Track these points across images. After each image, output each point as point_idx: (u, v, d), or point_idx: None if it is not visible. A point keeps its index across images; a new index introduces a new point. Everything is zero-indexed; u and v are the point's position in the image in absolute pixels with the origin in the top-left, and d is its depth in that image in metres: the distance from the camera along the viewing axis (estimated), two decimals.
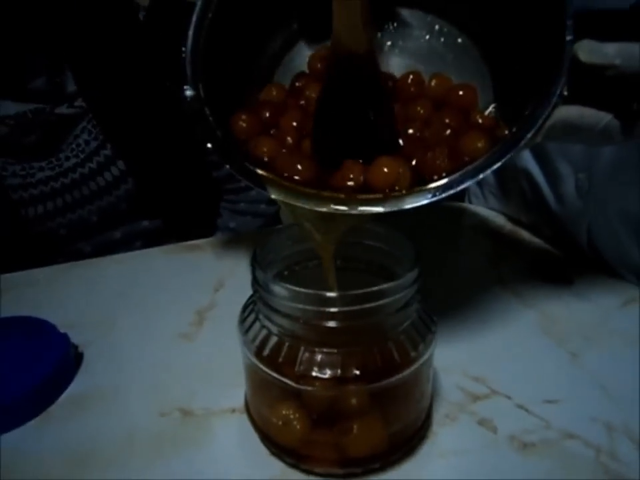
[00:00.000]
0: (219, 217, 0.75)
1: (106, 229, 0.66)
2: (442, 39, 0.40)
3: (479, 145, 0.31)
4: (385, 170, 0.30)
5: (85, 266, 0.57)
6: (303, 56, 0.41)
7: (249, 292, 0.34)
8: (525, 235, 0.59)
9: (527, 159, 0.54)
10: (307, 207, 0.30)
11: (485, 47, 0.39)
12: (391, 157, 0.31)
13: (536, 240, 0.58)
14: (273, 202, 0.77)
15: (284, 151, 0.33)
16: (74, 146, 0.62)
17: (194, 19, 0.35)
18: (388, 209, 0.29)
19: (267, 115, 0.35)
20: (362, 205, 0.30)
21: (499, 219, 0.62)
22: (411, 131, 0.34)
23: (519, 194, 0.58)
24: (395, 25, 0.41)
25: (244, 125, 0.34)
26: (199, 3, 0.35)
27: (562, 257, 0.54)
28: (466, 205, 0.66)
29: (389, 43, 0.41)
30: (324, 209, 0.30)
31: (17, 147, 0.61)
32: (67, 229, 0.64)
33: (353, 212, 0.29)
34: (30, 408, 0.38)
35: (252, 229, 0.73)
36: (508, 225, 0.61)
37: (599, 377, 0.40)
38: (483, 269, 0.54)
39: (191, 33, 0.35)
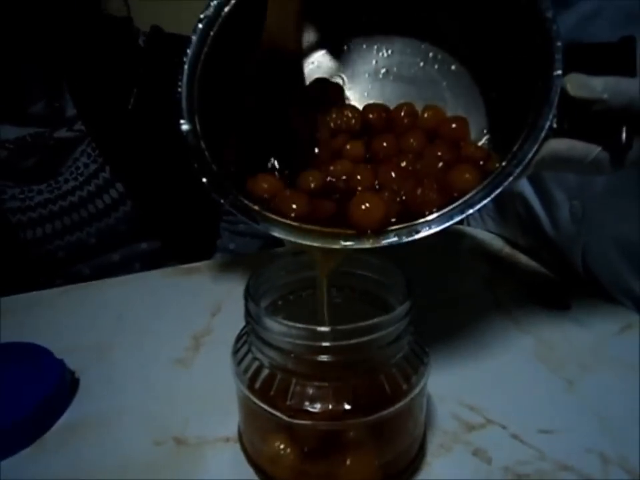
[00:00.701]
0: (219, 238, 0.75)
1: (105, 251, 0.66)
2: (436, 66, 0.41)
3: (468, 179, 0.31)
4: (369, 207, 0.30)
5: (82, 289, 0.57)
6: None
7: None
8: (523, 258, 0.59)
9: (523, 184, 0.54)
10: (302, 243, 0.30)
11: (478, 74, 0.40)
12: (372, 193, 0.31)
13: (533, 263, 0.58)
14: None
15: (282, 190, 0.33)
16: (73, 169, 0.63)
17: (189, 53, 0.36)
18: (374, 245, 0.30)
19: None
20: (347, 240, 0.30)
21: (496, 242, 0.62)
22: (404, 163, 0.34)
23: (515, 217, 0.58)
24: (390, 51, 0.42)
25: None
26: (194, 38, 0.36)
27: (559, 281, 0.54)
28: (464, 227, 0.66)
29: (383, 70, 0.42)
30: (318, 245, 0.30)
31: (16, 171, 0.61)
32: (65, 252, 0.64)
33: (336, 247, 0.30)
34: (24, 436, 0.38)
35: (251, 250, 0.73)
36: (506, 248, 0.61)
37: (595, 405, 0.39)
38: (480, 292, 0.54)
39: (186, 67, 0.36)
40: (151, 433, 0.39)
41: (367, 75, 0.42)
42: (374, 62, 0.42)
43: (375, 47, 0.42)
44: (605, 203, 0.45)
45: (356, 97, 0.42)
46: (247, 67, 0.37)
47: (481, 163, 0.33)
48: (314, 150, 0.36)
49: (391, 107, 0.40)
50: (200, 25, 0.37)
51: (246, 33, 0.38)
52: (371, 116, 0.38)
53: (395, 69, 0.41)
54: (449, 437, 0.37)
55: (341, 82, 0.42)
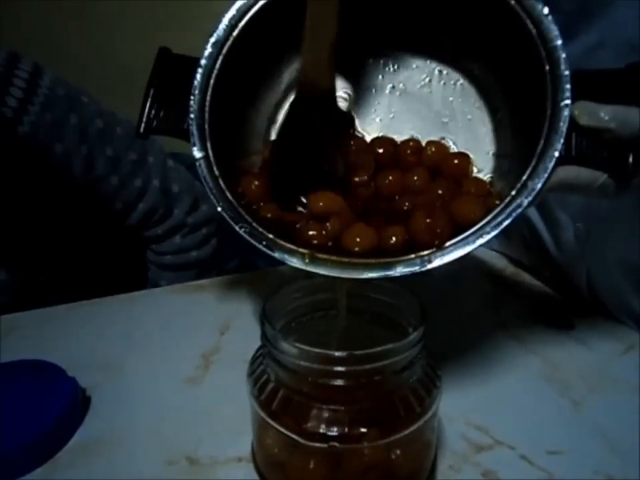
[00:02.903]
0: (148, 270, 0.73)
1: None
2: (443, 82, 0.41)
3: (475, 210, 0.32)
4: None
5: (91, 306, 0.57)
6: None
7: (255, 335, 0.34)
8: (526, 277, 0.60)
9: None
10: (318, 272, 0.31)
11: (485, 93, 0.40)
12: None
13: (537, 283, 0.58)
14: (204, 243, 0.73)
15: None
16: None
17: (199, 78, 0.36)
18: (386, 276, 0.30)
19: None
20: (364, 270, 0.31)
21: (500, 261, 0.63)
22: (407, 202, 0.35)
23: (519, 237, 0.59)
24: (396, 66, 0.42)
25: (255, 188, 0.35)
26: (204, 62, 0.36)
27: (563, 301, 0.55)
28: None
29: (390, 85, 0.42)
30: (333, 275, 0.31)
31: None
32: None
33: (352, 277, 0.31)
34: (37, 455, 0.38)
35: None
36: (509, 267, 0.62)
37: (601, 426, 0.40)
38: (484, 312, 0.55)
39: (196, 92, 0.36)
40: (163, 453, 0.39)
41: (373, 91, 0.42)
42: (380, 77, 0.42)
43: (381, 61, 0.42)
44: (609, 226, 0.46)
45: (362, 113, 0.42)
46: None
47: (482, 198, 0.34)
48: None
49: (398, 122, 0.41)
50: (209, 49, 0.37)
51: (257, 54, 0.39)
52: (379, 151, 0.39)
53: (401, 84, 0.42)
54: (459, 458, 0.38)
55: (347, 97, 0.42)
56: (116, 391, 0.45)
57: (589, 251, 0.49)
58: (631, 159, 0.32)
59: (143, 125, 0.38)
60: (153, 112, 0.38)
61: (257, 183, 0.36)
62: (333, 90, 0.37)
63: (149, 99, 0.38)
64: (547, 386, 0.44)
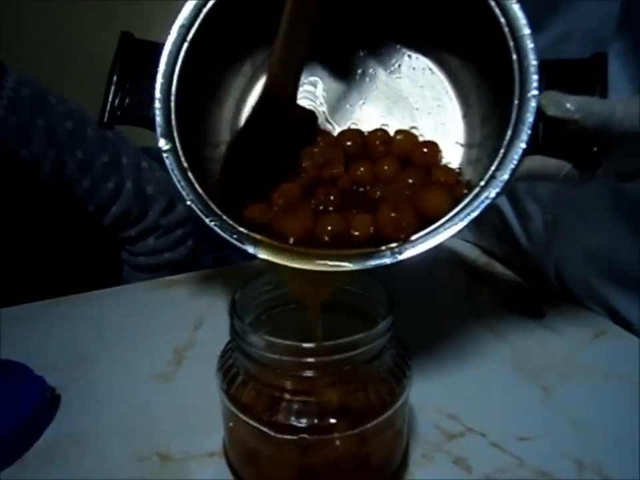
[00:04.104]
0: (122, 271, 0.72)
1: None
2: (412, 67, 0.40)
3: (442, 203, 0.32)
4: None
5: (60, 303, 0.56)
6: None
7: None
8: (499, 267, 0.60)
9: None
10: (289, 265, 0.30)
11: (454, 78, 0.40)
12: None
13: (509, 273, 0.59)
14: (178, 245, 0.73)
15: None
16: None
17: (164, 65, 0.35)
18: (358, 268, 0.30)
19: None
20: (333, 261, 0.30)
21: (473, 252, 0.63)
22: (378, 191, 0.35)
23: (492, 229, 0.59)
24: (365, 52, 0.41)
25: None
26: (168, 48, 0.35)
27: (534, 290, 0.56)
28: None
29: (359, 71, 0.41)
30: (305, 267, 0.30)
31: None
32: None
33: (322, 269, 0.30)
34: (5, 455, 0.37)
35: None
36: (482, 258, 0.62)
37: (570, 412, 0.41)
38: (457, 301, 0.55)
39: (161, 80, 0.34)
40: (134, 449, 0.38)
41: (342, 77, 0.42)
42: (349, 63, 0.41)
43: (350, 47, 0.41)
44: (577, 216, 0.47)
45: (332, 99, 0.42)
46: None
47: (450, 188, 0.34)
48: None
49: (368, 109, 0.40)
50: (174, 34, 0.35)
51: (223, 39, 0.38)
52: (348, 143, 0.38)
53: (371, 70, 0.41)
54: (431, 446, 0.38)
55: (315, 84, 0.42)
56: (87, 389, 0.44)
57: (558, 241, 0.50)
58: (594, 150, 0.33)
59: (106, 114, 0.37)
60: (117, 101, 0.37)
61: None
62: (295, 93, 0.38)
63: (112, 87, 0.37)
64: (518, 373, 0.45)
